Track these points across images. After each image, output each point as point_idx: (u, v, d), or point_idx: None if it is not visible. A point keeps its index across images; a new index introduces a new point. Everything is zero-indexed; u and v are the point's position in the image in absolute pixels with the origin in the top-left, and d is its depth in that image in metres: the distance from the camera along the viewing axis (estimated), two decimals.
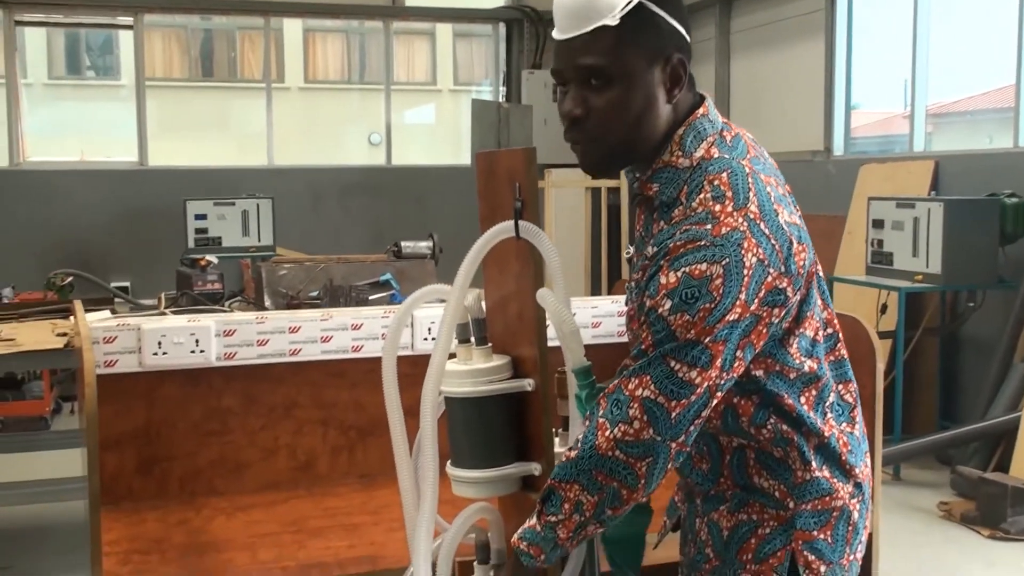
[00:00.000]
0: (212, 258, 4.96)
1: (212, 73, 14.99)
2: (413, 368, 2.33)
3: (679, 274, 1.57)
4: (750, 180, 1.63)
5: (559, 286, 1.81)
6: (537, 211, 1.87)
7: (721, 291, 1.56)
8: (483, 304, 1.98)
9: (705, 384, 1.58)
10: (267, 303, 4.89)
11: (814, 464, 1.70)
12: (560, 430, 2.00)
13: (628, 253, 1.91)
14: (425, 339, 2.62)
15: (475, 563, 1.95)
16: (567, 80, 1.70)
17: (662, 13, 1.68)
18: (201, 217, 8.49)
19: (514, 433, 1.90)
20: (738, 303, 1.57)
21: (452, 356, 1.91)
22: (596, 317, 2.76)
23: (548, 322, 1.84)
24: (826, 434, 1.71)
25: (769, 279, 1.59)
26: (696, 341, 1.56)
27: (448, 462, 1.90)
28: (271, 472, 2.53)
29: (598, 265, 8.74)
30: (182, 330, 2.37)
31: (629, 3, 1.65)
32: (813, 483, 1.70)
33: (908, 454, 5.83)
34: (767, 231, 1.60)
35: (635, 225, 1.85)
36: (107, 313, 3.72)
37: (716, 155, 1.67)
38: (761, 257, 1.58)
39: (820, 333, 1.72)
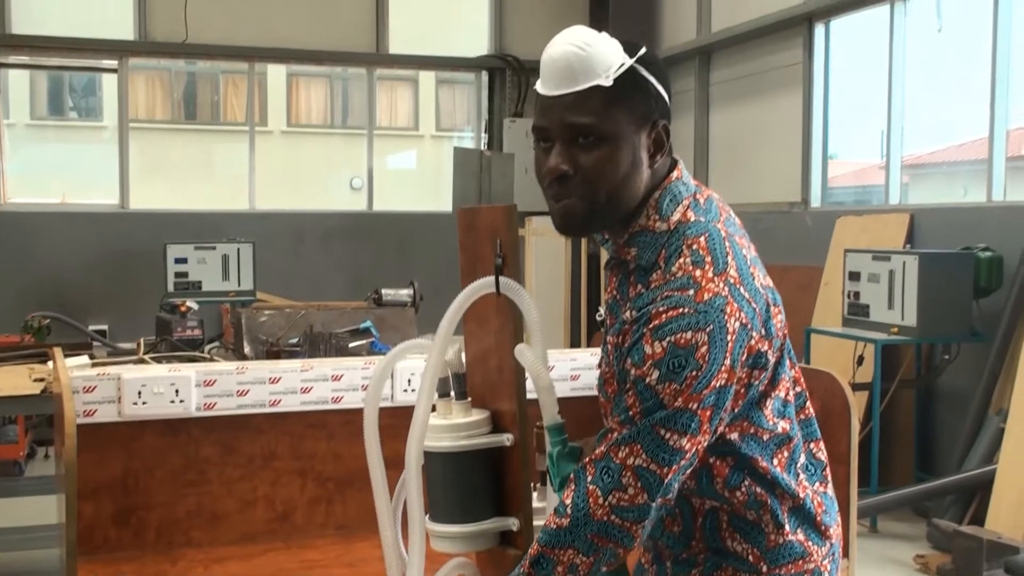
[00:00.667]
0: (192, 303, 4.96)
1: (195, 116, 15.02)
2: (393, 419, 2.35)
3: (664, 344, 1.58)
4: (727, 244, 1.66)
5: (537, 342, 1.83)
6: (518, 267, 1.89)
7: (707, 358, 1.58)
8: (463, 358, 2.00)
9: (693, 448, 1.61)
10: (247, 349, 4.89)
11: (787, 527, 1.70)
12: (539, 485, 2.02)
13: (600, 316, 1.93)
14: (405, 390, 2.63)
15: None
16: (552, 137, 1.70)
17: (651, 79, 1.70)
18: (181, 261, 8.49)
19: (493, 488, 1.91)
20: (723, 368, 1.59)
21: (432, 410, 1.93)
22: (575, 370, 2.78)
23: (527, 376, 1.86)
24: (800, 495, 1.72)
25: (752, 342, 1.62)
26: (684, 408, 1.58)
27: (427, 516, 1.91)
28: (248, 523, 2.53)
29: (578, 313, 8.77)
30: (162, 380, 2.37)
31: (623, 65, 1.67)
32: (787, 547, 1.70)
33: (885, 506, 5.85)
34: (747, 295, 1.62)
35: (607, 288, 1.88)
36: (85, 358, 3.71)
37: (693, 219, 1.70)
38: (744, 321, 1.61)
39: (790, 393, 1.74)
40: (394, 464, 2.04)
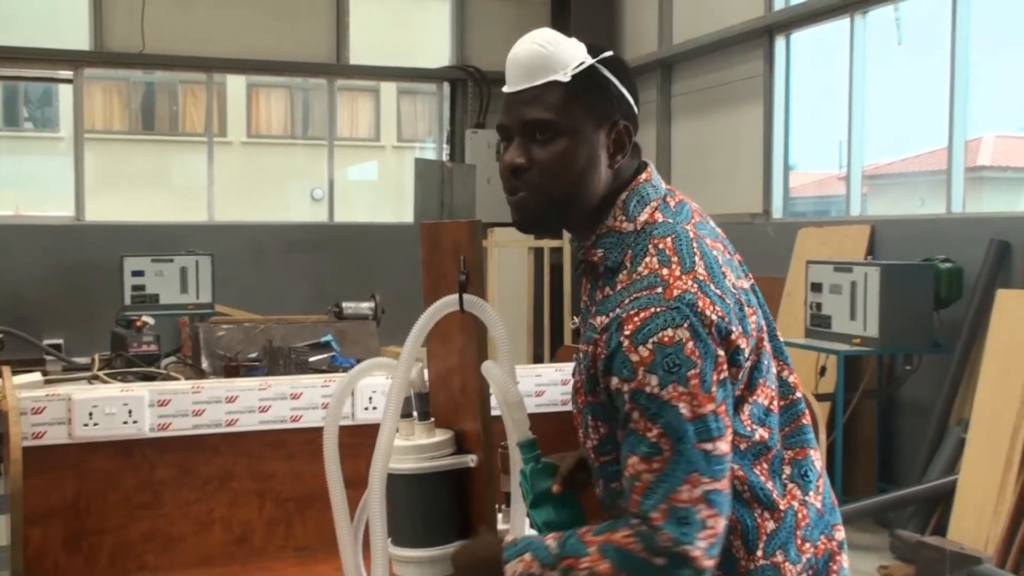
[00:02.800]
0: (148, 318, 4.86)
1: (153, 127, 14.85)
2: (354, 438, 2.29)
3: (649, 346, 1.53)
4: (695, 245, 1.63)
5: (505, 357, 1.78)
6: (482, 284, 1.85)
7: (697, 353, 1.53)
8: (426, 377, 1.95)
9: (728, 448, 1.56)
10: (204, 365, 4.80)
11: (760, 552, 1.63)
12: (503, 506, 1.97)
13: (574, 324, 1.88)
14: (366, 408, 2.57)
15: None
16: (512, 134, 1.69)
17: (613, 79, 1.69)
18: (138, 274, 8.36)
19: (457, 510, 1.87)
20: (719, 359, 1.55)
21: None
22: (540, 386, 2.74)
23: (492, 395, 1.82)
24: (781, 508, 1.65)
25: (732, 336, 1.58)
26: (705, 413, 1.53)
27: (390, 540, 1.86)
28: (205, 546, 2.45)
29: (541, 325, 8.74)
30: (114, 400, 2.30)
31: (582, 64, 1.66)
32: (758, 572, 1.64)
33: (847, 517, 5.81)
34: (717, 291, 1.59)
35: (581, 294, 1.83)
36: (38, 375, 3.62)
37: (660, 219, 1.67)
38: (720, 314, 1.56)
39: (775, 402, 1.68)
40: (355, 484, 1.99)
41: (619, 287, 1.62)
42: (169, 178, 12.66)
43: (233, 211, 10.61)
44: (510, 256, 8.98)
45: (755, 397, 1.64)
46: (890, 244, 6.85)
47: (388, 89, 14.27)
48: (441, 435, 1.87)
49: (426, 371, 1.98)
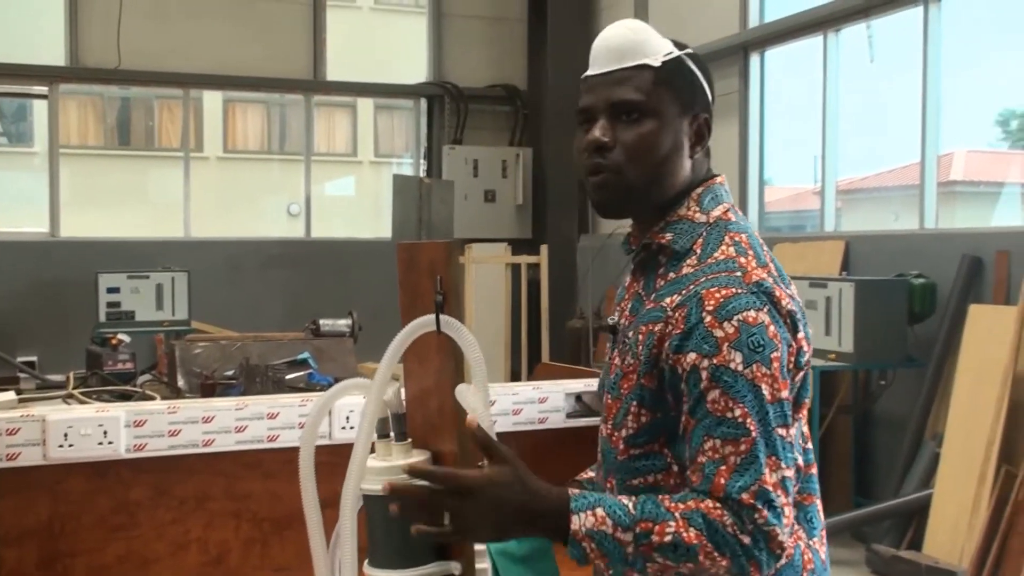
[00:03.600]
0: (124, 336, 4.83)
1: (129, 142, 14.79)
2: (331, 457, 2.28)
3: (734, 323, 1.52)
4: (765, 249, 1.65)
5: (479, 382, 1.78)
6: (459, 305, 1.85)
7: (778, 338, 1.53)
8: (403, 397, 1.95)
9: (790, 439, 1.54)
10: (180, 383, 4.77)
11: None
12: None
13: (612, 319, 1.82)
14: (344, 428, 2.57)
15: None
16: (596, 115, 1.68)
17: (698, 72, 1.72)
18: (114, 290, 8.31)
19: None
20: (791, 348, 1.56)
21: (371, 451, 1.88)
22: (517, 404, 2.74)
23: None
24: (789, 548, 1.54)
25: (799, 334, 1.59)
26: (782, 399, 1.52)
27: (365, 561, 1.86)
28: (181, 568, 2.44)
29: (518, 342, 8.74)
30: (89, 421, 2.28)
31: (671, 53, 1.69)
32: None
33: None
34: (788, 291, 1.61)
35: (624, 297, 1.81)
36: (12, 395, 3.59)
37: (734, 219, 1.69)
38: (792, 308, 1.58)
39: (804, 438, 1.67)
40: (332, 504, 1.98)
41: (686, 271, 1.62)
42: (145, 194, 12.61)
43: (209, 227, 10.56)
44: (488, 272, 8.99)
45: (799, 416, 1.63)
46: (864, 259, 6.91)
47: (365, 105, 14.27)
48: (418, 455, 1.87)
49: (403, 391, 1.99)
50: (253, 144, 15.71)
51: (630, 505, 1.49)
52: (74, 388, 4.48)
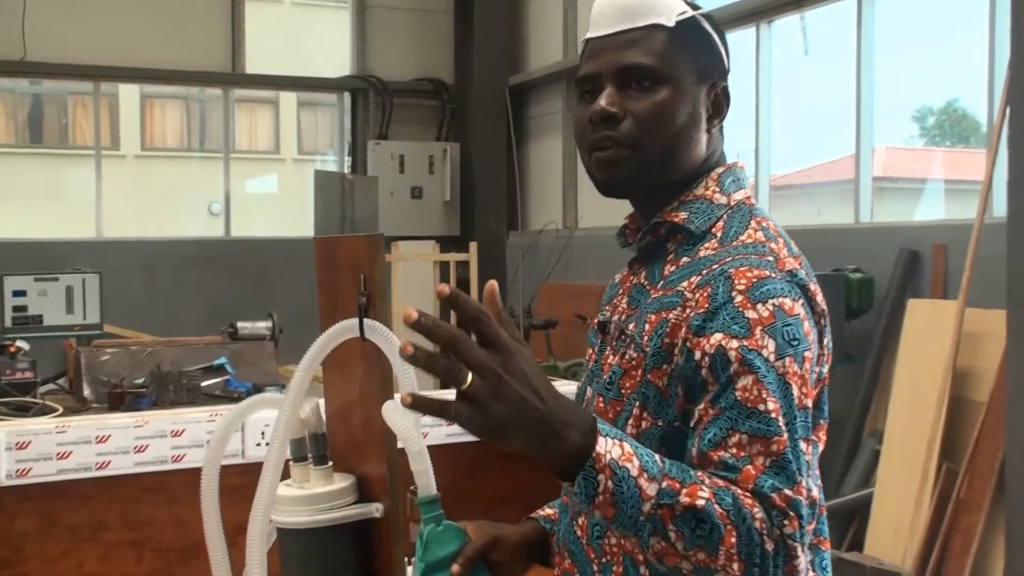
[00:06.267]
0: (23, 344, 4.50)
1: (41, 139, 14.23)
2: (244, 478, 2.03)
3: (769, 307, 1.28)
4: (792, 241, 1.44)
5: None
6: (385, 306, 1.62)
7: (812, 336, 1.30)
8: (322, 414, 1.71)
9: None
10: (86, 392, 4.46)
11: None
12: (414, 559, 1.74)
13: (603, 316, 1.56)
14: (258, 444, 2.32)
15: None
16: (602, 83, 1.45)
17: (714, 35, 1.49)
18: (20, 294, 7.84)
19: (359, 566, 1.63)
20: (819, 355, 1.35)
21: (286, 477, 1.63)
22: None
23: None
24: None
25: (825, 340, 1.38)
26: (809, 409, 1.29)
27: None
28: None
29: None
30: None
31: (685, 12, 1.46)
32: None
33: None
34: (819, 293, 1.40)
35: (624, 280, 1.56)
36: None
37: (757, 205, 1.47)
38: (824, 309, 1.37)
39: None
40: (245, 531, 1.75)
41: (705, 253, 1.39)
42: (58, 193, 12.11)
43: (127, 227, 10.16)
44: (415, 271, 8.74)
45: (818, 437, 1.39)
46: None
47: (288, 100, 13.91)
48: (340, 481, 1.63)
49: (322, 406, 1.75)
50: (172, 141, 15.26)
51: (657, 456, 1.22)
52: None
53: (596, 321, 1.58)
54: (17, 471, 2.07)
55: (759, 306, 1.28)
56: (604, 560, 1.41)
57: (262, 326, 4.97)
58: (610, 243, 1.73)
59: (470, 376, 1.12)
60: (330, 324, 1.63)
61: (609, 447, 1.19)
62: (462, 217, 10.53)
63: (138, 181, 13.54)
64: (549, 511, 1.69)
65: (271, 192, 13.68)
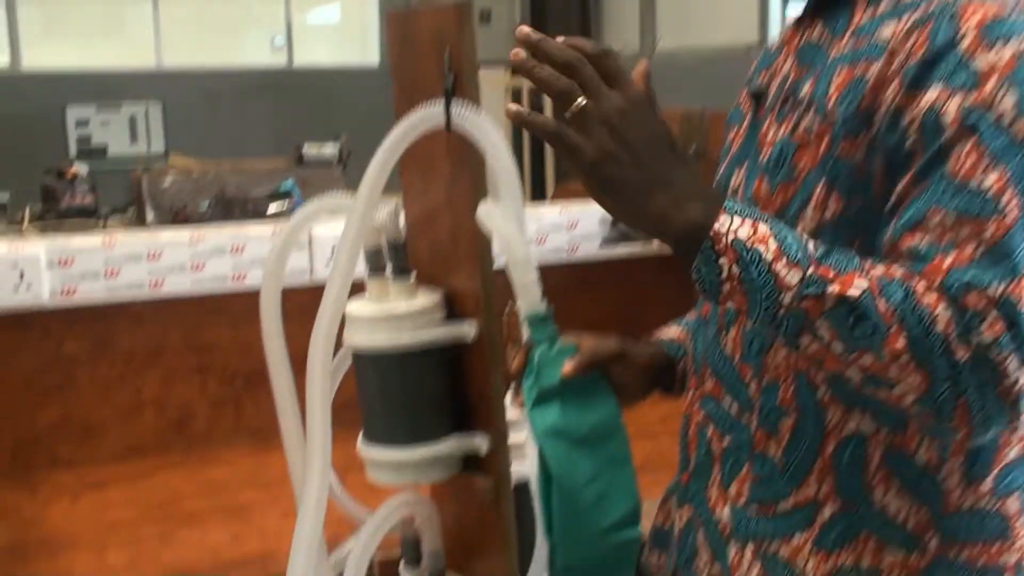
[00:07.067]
0: (81, 168, 4.32)
1: None
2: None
3: (1011, 47, 0.95)
4: None
5: (509, 195, 1.27)
6: (476, 88, 1.34)
7: None
8: (401, 222, 1.44)
9: None
10: (150, 218, 4.30)
11: (987, 485, 1.05)
12: (515, 386, 1.50)
13: (755, 87, 1.23)
14: (329, 263, 2.08)
15: (401, 564, 1.45)
16: None
17: None
18: (83, 124, 7.74)
19: (449, 397, 1.39)
20: None
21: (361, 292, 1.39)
22: (541, 231, 2.25)
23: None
24: (1014, 439, 1.06)
25: None
26: None
27: (360, 436, 1.39)
28: (133, 435, 2.00)
29: (540, 154, 8.28)
30: None
31: None
32: (978, 515, 1.06)
33: None
34: None
35: (782, 50, 1.21)
36: None
37: None
38: None
39: None
40: None
41: (879, 14, 1.06)
42: (117, 23, 11.88)
43: (188, 57, 9.94)
44: (487, 102, 8.40)
45: None
46: None
47: None
48: (426, 298, 1.38)
49: (402, 213, 1.48)
50: None
51: (810, 241, 0.97)
52: (29, 222, 4.00)
53: (744, 92, 1.27)
54: (62, 290, 1.86)
55: (998, 47, 0.96)
56: (767, 379, 1.12)
57: (329, 150, 4.75)
58: (689, 65, 1.40)
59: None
60: (408, 115, 1.35)
61: (735, 225, 0.96)
62: None
63: (197, 11, 13.24)
64: (674, 332, 1.42)
65: (333, 22, 13.30)
